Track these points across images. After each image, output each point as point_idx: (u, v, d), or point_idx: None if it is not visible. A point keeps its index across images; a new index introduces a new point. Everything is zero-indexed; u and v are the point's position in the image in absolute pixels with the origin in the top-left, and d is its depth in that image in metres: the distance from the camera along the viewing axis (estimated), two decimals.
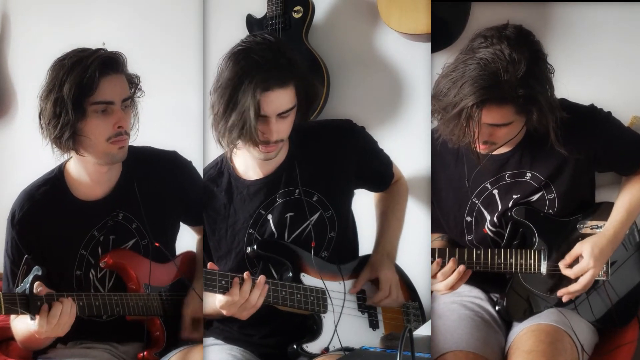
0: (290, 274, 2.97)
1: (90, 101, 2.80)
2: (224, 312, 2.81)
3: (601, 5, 3.21)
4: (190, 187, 3.12)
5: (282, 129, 2.85)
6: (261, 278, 2.83)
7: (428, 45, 3.28)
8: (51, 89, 2.80)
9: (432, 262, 2.91)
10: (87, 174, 2.95)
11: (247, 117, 2.74)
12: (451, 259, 2.88)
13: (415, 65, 3.41)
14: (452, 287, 2.89)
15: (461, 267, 2.88)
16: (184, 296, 3.05)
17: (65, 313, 2.71)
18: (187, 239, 3.20)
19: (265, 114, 2.79)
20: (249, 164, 3.01)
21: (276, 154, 2.91)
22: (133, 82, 2.93)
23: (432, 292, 3.01)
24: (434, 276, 2.89)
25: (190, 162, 3.13)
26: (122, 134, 2.85)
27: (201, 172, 3.10)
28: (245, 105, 2.74)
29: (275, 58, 2.79)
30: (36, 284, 2.70)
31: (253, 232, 2.99)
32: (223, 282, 2.79)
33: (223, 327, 3.02)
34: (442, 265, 2.89)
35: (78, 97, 2.78)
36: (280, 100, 2.80)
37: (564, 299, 2.93)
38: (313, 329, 2.97)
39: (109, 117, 2.83)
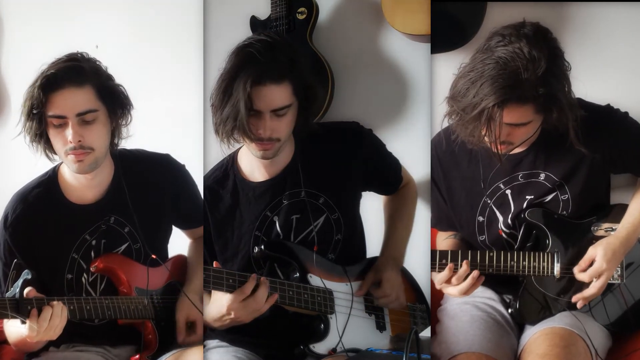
0: (298, 275, 2.96)
1: (47, 114, 2.79)
2: (232, 313, 2.79)
3: (616, 5, 3.20)
4: (183, 190, 3.10)
5: (277, 127, 2.83)
6: (262, 279, 2.82)
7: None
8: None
9: (431, 264, 2.89)
10: (76, 179, 2.94)
11: (239, 109, 2.74)
12: (464, 261, 2.85)
13: (420, 65, 3.39)
14: (466, 292, 2.86)
15: (475, 273, 2.85)
16: (175, 299, 3.03)
17: (55, 316, 2.68)
18: (177, 242, 3.18)
19: (259, 109, 2.78)
20: (254, 166, 3.00)
21: (274, 154, 2.89)
22: (112, 94, 2.90)
23: (431, 294, 3.02)
24: (448, 281, 2.86)
25: (183, 165, 3.11)
26: (76, 149, 2.81)
27: (198, 175, 3.09)
28: (237, 97, 2.75)
29: (272, 54, 2.79)
30: (27, 289, 2.68)
31: (259, 234, 2.98)
32: (230, 280, 2.77)
33: (228, 329, 2.95)
34: (455, 269, 2.86)
35: (31, 109, 2.79)
36: (274, 95, 2.79)
37: (579, 305, 2.91)
38: (320, 330, 2.95)
39: (64, 131, 2.81)
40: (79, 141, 2.80)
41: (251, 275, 2.79)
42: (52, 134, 2.82)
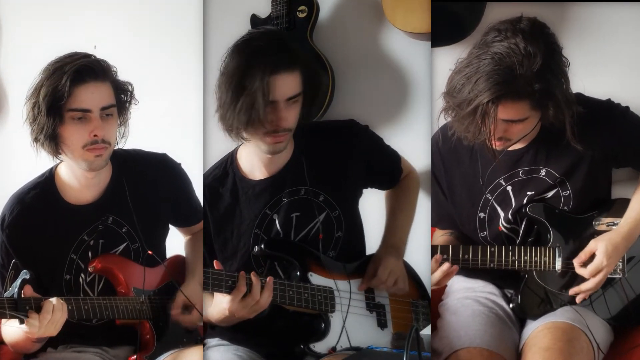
0: (298, 273, 2.95)
1: (66, 107, 2.78)
2: (234, 313, 2.79)
3: (618, 5, 3.18)
4: (180, 189, 3.11)
5: (290, 117, 2.83)
6: (269, 279, 2.82)
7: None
8: (33, 92, 2.81)
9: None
10: (76, 178, 2.93)
11: (256, 100, 2.73)
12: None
13: (421, 64, 3.39)
14: (437, 284, 2.88)
15: (445, 266, 2.86)
16: (173, 299, 3.03)
17: (57, 310, 2.68)
18: (175, 242, 3.18)
19: (274, 99, 2.78)
20: (254, 164, 2.99)
21: (284, 147, 2.89)
22: (123, 90, 2.92)
23: (431, 290, 3.02)
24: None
25: (179, 164, 3.11)
26: (97, 142, 2.82)
27: (198, 175, 3.09)
28: (253, 89, 2.73)
29: (280, 44, 2.80)
30: (24, 288, 2.68)
31: (259, 232, 2.97)
32: (230, 282, 2.77)
33: (229, 328, 2.96)
34: (442, 261, 2.88)
35: (53, 103, 2.76)
36: (288, 84, 2.80)
37: (577, 299, 2.91)
38: (320, 329, 2.94)
39: (85, 125, 2.80)
40: (99, 136, 2.81)
41: (240, 274, 2.77)
42: (69, 130, 2.81)
